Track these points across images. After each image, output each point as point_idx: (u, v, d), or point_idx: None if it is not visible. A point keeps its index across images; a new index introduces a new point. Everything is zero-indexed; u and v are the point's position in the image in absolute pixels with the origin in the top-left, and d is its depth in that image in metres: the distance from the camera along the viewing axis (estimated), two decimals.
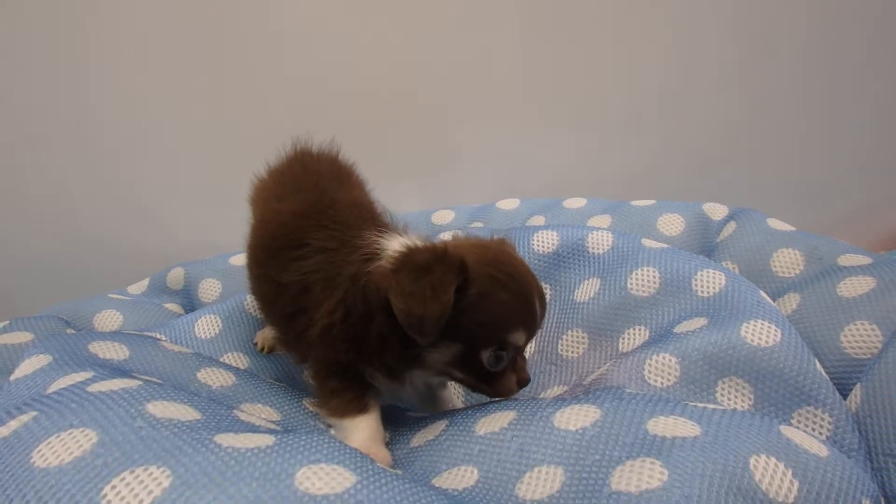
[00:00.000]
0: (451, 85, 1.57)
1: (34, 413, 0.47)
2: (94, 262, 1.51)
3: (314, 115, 1.44)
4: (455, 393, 0.89)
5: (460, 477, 0.55)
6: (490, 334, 0.64)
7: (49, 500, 0.39)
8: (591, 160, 1.71)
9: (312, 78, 1.48)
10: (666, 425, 0.53)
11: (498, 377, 0.67)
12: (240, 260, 1.21)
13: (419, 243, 0.69)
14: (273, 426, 0.59)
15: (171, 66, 1.41)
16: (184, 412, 0.50)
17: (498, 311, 0.63)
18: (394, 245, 0.68)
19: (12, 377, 0.60)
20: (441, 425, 0.66)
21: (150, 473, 0.40)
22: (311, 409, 0.77)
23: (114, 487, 0.39)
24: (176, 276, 1.21)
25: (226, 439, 0.45)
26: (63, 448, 0.43)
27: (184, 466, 0.41)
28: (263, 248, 0.80)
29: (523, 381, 0.69)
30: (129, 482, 0.40)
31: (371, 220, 0.76)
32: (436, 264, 0.62)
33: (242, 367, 0.89)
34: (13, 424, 0.47)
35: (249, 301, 1.02)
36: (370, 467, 0.46)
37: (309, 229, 0.73)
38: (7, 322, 0.91)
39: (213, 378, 0.72)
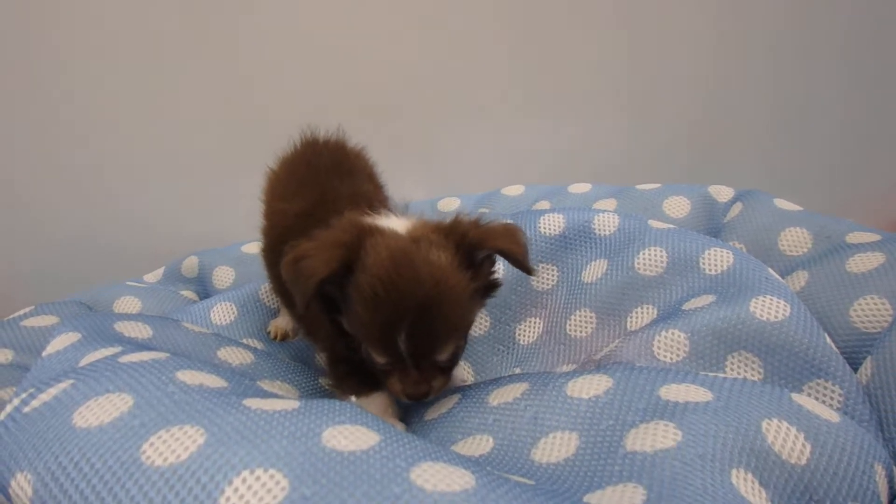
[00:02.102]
0: (453, 73, 1.57)
1: (71, 381, 0.50)
2: (105, 256, 1.53)
3: (321, 105, 1.44)
4: (465, 369, 0.90)
5: (476, 445, 0.57)
6: (357, 332, 0.63)
7: (92, 456, 0.41)
8: (592, 147, 1.70)
9: (319, 67, 1.48)
10: (678, 391, 0.54)
11: (386, 375, 0.65)
12: (252, 248, 1.23)
13: (409, 222, 0.68)
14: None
15: (180, 57, 1.42)
16: (212, 380, 0.52)
17: (359, 324, 0.61)
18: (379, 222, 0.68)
19: (44, 353, 0.62)
20: (454, 399, 0.67)
21: (185, 432, 0.42)
22: (326, 388, 0.79)
23: (152, 444, 0.41)
24: (190, 264, 1.24)
25: (254, 402, 0.47)
26: (101, 410, 0.45)
27: (216, 426, 0.43)
28: (273, 251, 0.83)
29: (410, 396, 0.64)
30: (165, 440, 0.42)
31: (370, 208, 0.75)
32: (322, 247, 0.60)
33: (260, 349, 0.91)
34: (52, 391, 0.49)
35: (263, 290, 1.04)
36: (391, 430, 0.47)
37: (310, 228, 0.74)
38: (32, 307, 0.93)
39: (233, 356, 0.74)
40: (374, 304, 0.58)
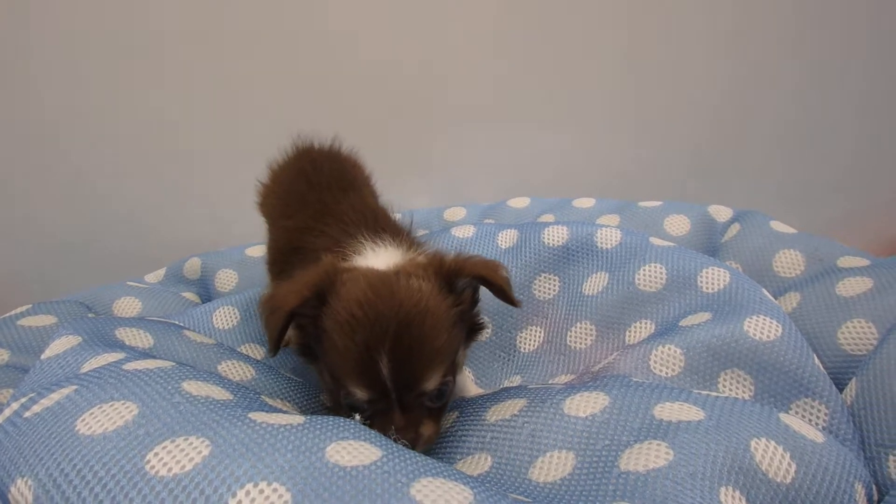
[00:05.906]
0: (458, 83, 1.59)
1: (75, 387, 0.50)
2: (110, 253, 1.54)
3: (323, 112, 1.47)
4: (468, 377, 0.91)
5: (475, 464, 0.58)
6: (337, 376, 0.58)
7: (95, 464, 0.41)
8: (594, 158, 1.73)
9: (322, 76, 1.50)
10: (672, 410, 0.55)
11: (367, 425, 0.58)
12: (255, 251, 1.23)
13: (393, 257, 0.67)
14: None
15: (182, 59, 1.43)
16: (217, 392, 0.53)
17: (336, 356, 0.57)
18: (359, 261, 0.68)
19: (43, 356, 0.61)
20: (452, 416, 0.68)
21: (191, 443, 0.43)
22: (327, 404, 0.80)
23: (156, 454, 0.42)
24: (192, 266, 1.23)
25: (259, 416, 0.48)
26: (106, 418, 0.45)
27: (222, 437, 0.43)
28: (277, 266, 0.85)
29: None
30: (170, 450, 0.42)
31: (372, 222, 0.76)
32: (294, 283, 0.59)
33: (259, 359, 0.91)
34: (55, 396, 0.49)
35: None
36: (393, 445, 0.48)
37: (312, 240, 0.76)
38: (29, 306, 0.93)
39: (234, 371, 0.74)
40: (350, 327, 0.55)
